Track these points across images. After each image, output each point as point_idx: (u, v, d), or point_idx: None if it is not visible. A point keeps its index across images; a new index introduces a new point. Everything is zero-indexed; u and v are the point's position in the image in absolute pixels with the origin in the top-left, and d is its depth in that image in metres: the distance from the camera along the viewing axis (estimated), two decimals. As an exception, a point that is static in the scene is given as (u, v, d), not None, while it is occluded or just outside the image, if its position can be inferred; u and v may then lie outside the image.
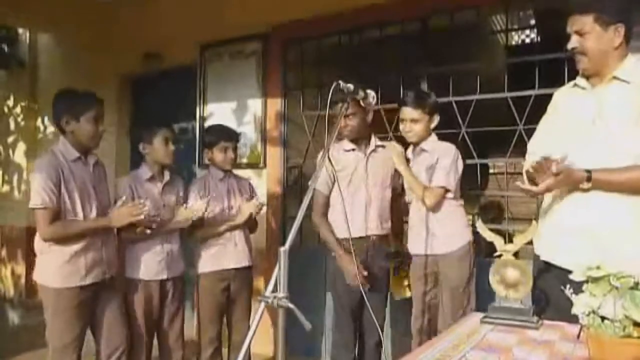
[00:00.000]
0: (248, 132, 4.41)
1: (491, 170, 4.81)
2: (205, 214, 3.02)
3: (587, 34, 1.95)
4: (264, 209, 3.23)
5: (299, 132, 4.34)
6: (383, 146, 3.00)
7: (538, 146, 2.17)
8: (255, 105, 4.46)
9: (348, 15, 3.90)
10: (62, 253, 2.49)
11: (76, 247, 2.51)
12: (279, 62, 4.37)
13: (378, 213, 2.88)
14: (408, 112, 2.86)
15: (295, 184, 4.37)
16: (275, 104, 4.38)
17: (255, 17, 4.36)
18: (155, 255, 2.91)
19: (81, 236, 2.51)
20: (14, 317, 6.62)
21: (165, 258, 2.95)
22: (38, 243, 2.54)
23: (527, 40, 6.78)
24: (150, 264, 2.90)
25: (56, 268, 2.49)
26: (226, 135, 3.17)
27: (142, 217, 2.61)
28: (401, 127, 2.95)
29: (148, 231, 2.74)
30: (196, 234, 3.11)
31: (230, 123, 3.98)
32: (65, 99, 2.61)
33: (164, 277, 2.95)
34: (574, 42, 1.99)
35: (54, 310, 2.50)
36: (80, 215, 2.54)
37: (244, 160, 4.41)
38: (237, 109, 4.54)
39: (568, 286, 1.43)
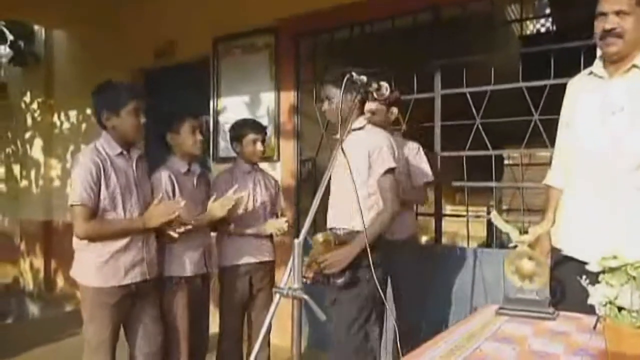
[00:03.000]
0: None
1: (506, 162, 4.78)
2: (242, 206, 2.98)
3: (627, 15, 1.88)
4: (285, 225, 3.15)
5: (312, 125, 4.34)
6: None
7: (561, 139, 2.15)
8: (268, 98, 4.47)
9: (360, 6, 3.88)
10: (102, 252, 2.43)
11: (116, 246, 2.45)
12: (291, 55, 4.37)
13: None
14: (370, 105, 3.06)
15: (308, 177, 4.37)
16: (289, 97, 4.39)
17: (267, 10, 4.36)
18: (195, 251, 2.86)
19: (117, 236, 2.45)
20: (33, 309, 6.72)
21: (204, 253, 2.92)
22: (76, 240, 2.48)
23: (542, 30, 6.71)
24: (191, 260, 2.84)
25: (95, 267, 2.43)
26: (255, 127, 3.15)
27: (176, 214, 2.54)
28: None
29: (182, 229, 2.66)
30: (222, 227, 3.08)
31: (244, 116, 3.99)
32: (104, 93, 2.52)
33: (204, 272, 2.93)
34: (612, 22, 1.89)
35: (91, 307, 2.46)
36: (121, 212, 2.47)
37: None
38: (251, 102, 4.55)
39: (584, 277, 1.42)
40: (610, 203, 1.90)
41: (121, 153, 2.51)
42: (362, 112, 2.54)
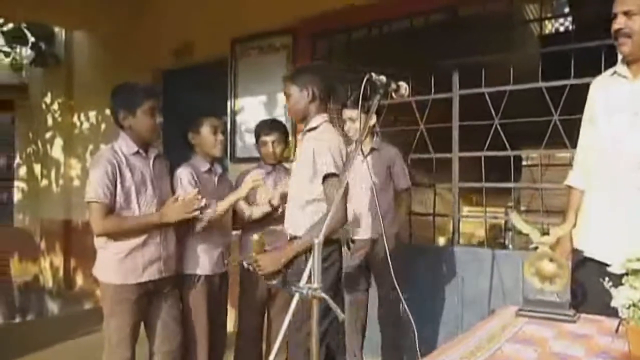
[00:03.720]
0: (279, 125, 4.44)
1: (524, 162, 4.74)
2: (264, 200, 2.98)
3: (636, 16, 1.87)
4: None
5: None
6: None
7: (584, 140, 2.13)
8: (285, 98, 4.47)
9: (377, 6, 3.87)
10: (120, 249, 2.47)
11: (133, 243, 2.48)
12: (308, 56, 4.37)
13: None
14: (348, 112, 3.25)
15: (325, 177, 4.37)
16: (305, 97, 4.38)
17: (284, 10, 4.37)
18: (215, 249, 2.86)
19: (137, 232, 2.48)
20: (53, 307, 6.82)
21: (223, 252, 2.93)
22: (97, 238, 2.52)
23: (561, 29, 6.65)
24: (210, 259, 2.85)
25: (113, 264, 2.47)
26: (267, 128, 3.15)
27: (196, 213, 2.56)
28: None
29: (200, 226, 2.70)
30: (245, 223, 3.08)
31: (261, 116, 4.00)
32: (121, 94, 2.57)
33: (223, 270, 2.93)
34: (619, 23, 1.91)
35: (111, 305, 2.49)
36: (136, 210, 2.50)
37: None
38: (268, 103, 4.57)
39: (607, 279, 1.41)
40: (634, 204, 1.87)
41: (138, 152, 2.54)
42: (323, 110, 2.39)
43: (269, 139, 3.12)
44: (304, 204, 2.28)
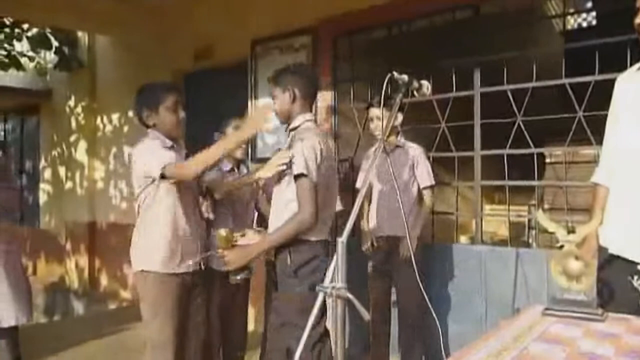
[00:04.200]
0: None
1: (547, 160, 4.67)
2: None
3: None
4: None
5: (350, 124, 4.34)
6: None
7: (610, 137, 2.10)
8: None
9: (398, 6, 3.86)
10: (156, 240, 2.45)
11: (169, 234, 2.46)
12: (329, 55, 4.38)
13: None
14: (373, 111, 3.29)
15: (346, 177, 4.37)
16: (326, 97, 4.40)
17: (304, 11, 4.39)
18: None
19: (219, 152, 2.35)
20: (78, 307, 6.93)
21: None
22: (135, 231, 2.52)
23: (584, 24, 6.55)
24: None
25: (155, 252, 2.44)
26: None
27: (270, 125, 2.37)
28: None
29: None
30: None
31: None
32: (142, 94, 2.59)
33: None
34: (639, 17, 1.87)
35: (154, 297, 2.45)
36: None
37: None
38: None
39: (636, 277, 1.38)
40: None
41: (172, 146, 2.55)
42: (307, 110, 2.43)
43: None
44: (285, 203, 2.32)
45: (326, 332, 2.32)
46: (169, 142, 2.53)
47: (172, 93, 2.56)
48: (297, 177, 2.25)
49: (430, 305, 2.03)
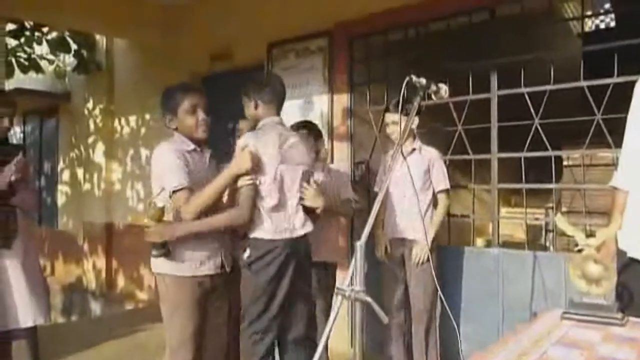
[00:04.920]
0: (315, 128, 4.47)
1: (565, 163, 4.65)
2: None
3: None
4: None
5: (366, 127, 4.35)
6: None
7: (629, 140, 2.09)
8: (321, 101, 4.51)
9: (414, 8, 3.86)
10: (174, 242, 2.42)
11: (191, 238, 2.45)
12: (345, 58, 4.39)
13: None
14: (390, 116, 3.30)
15: (362, 180, 4.38)
16: (342, 100, 4.41)
17: (320, 13, 4.41)
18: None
19: (218, 193, 2.45)
20: (95, 307, 7.01)
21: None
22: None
23: (602, 26, 6.49)
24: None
25: (174, 254, 2.42)
26: (294, 128, 3.17)
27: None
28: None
29: None
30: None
31: (297, 119, 4.03)
32: (163, 98, 2.58)
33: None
34: None
35: (174, 299, 2.44)
36: None
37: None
38: (305, 106, 4.61)
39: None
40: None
41: (195, 149, 2.53)
42: (272, 114, 2.66)
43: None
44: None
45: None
46: (191, 146, 2.52)
47: (190, 95, 2.53)
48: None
49: (447, 308, 2.03)
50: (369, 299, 1.47)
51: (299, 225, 2.63)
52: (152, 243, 2.38)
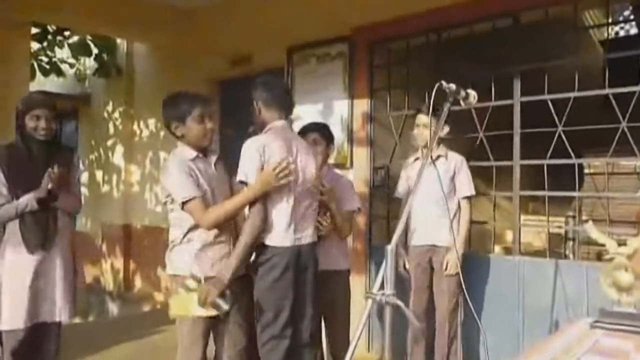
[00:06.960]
0: (335, 132, 4.44)
1: (586, 171, 4.61)
2: None
3: None
4: None
5: (386, 132, 4.35)
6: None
7: None
8: (342, 106, 4.52)
9: (436, 13, 3.86)
10: (192, 247, 2.50)
11: (203, 240, 2.51)
12: (365, 63, 4.40)
13: None
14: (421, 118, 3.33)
15: (381, 185, 4.38)
16: (362, 105, 4.41)
17: (341, 19, 4.42)
18: None
19: (238, 209, 2.51)
20: (113, 308, 7.05)
21: None
22: (172, 234, 2.56)
23: (621, 33, 6.44)
24: None
25: (190, 259, 2.49)
26: (302, 129, 3.17)
27: (290, 178, 2.50)
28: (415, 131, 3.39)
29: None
30: None
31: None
32: (170, 104, 2.63)
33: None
34: None
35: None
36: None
37: (331, 161, 4.46)
38: (324, 111, 4.62)
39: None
40: None
41: (198, 156, 2.58)
42: (276, 118, 2.61)
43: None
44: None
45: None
46: (194, 153, 2.57)
47: (199, 104, 2.59)
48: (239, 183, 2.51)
49: (476, 316, 2.03)
50: (399, 303, 1.48)
51: (306, 233, 2.61)
52: (215, 302, 2.38)
